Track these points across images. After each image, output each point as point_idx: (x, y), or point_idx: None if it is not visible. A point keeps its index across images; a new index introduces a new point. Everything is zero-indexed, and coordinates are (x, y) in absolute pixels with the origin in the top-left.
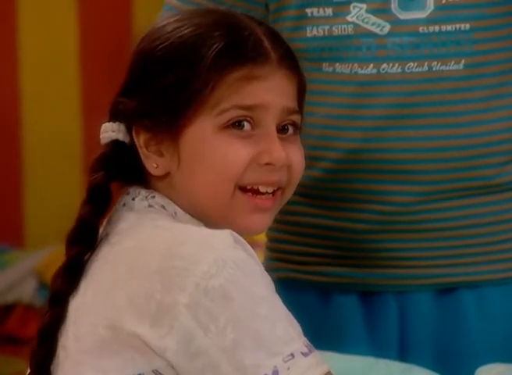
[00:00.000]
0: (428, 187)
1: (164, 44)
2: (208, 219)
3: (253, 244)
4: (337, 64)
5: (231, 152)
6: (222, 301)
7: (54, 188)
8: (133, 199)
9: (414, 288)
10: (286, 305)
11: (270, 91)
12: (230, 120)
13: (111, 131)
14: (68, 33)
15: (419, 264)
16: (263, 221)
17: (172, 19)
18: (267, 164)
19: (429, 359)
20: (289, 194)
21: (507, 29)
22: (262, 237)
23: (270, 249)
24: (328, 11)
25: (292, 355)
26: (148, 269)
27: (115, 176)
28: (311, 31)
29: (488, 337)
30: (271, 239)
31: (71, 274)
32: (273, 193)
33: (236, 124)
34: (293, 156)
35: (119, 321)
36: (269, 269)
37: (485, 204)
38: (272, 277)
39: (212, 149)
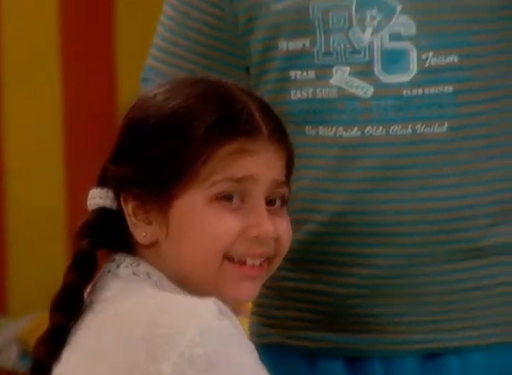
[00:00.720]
0: (413, 250)
1: (156, 115)
2: (195, 287)
3: (237, 311)
4: (320, 127)
5: (220, 225)
6: (206, 370)
7: (37, 256)
8: (118, 266)
9: (400, 354)
10: (271, 371)
11: (260, 164)
12: (220, 193)
13: (98, 198)
14: (52, 107)
15: (404, 329)
16: (251, 290)
17: (162, 89)
18: (255, 237)
19: None
20: (276, 264)
21: (490, 92)
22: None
23: (255, 314)
24: (311, 74)
25: None
26: (133, 337)
27: (101, 244)
28: (295, 94)
29: None
30: (256, 304)
31: (54, 342)
32: (260, 264)
33: (226, 197)
34: (280, 229)
35: None
36: (255, 335)
37: (470, 269)
38: (257, 342)
39: (202, 221)
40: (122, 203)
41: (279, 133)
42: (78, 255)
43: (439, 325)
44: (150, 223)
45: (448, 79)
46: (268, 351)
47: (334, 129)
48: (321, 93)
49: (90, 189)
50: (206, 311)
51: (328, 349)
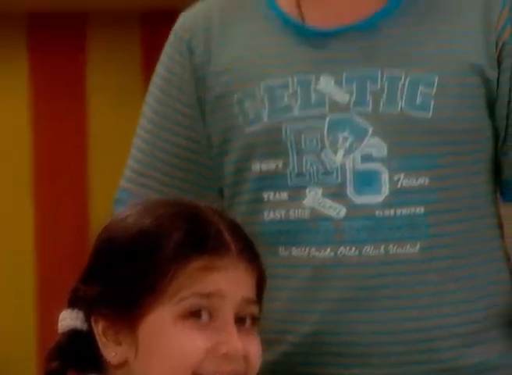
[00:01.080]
0: (389, 371)
1: (125, 235)
2: None
3: None
4: (293, 248)
5: (188, 343)
6: None
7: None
8: None
9: None
10: None
11: (229, 281)
12: (188, 309)
13: (69, 319)
14: (24, 222)
15: None
16: None
17: (134, 210)
18: (224, 354)
19: None
20: None
21: (460, 213)
22: None
23: None
24: (284, 195)
25: None
26: None
27: (71, 365)
28: (268, 215)
29: None
30: None
31: None
32: None
33: (195, 314)
34: (250, 347)
35: None
36: None
37: None
38: None
39: (170, 340)
40: (93, 323)
41: (249, 252)
42: None
43: None
44: (119, 343)
45: (419, 200)
46: None
47: (307, 249)
48: (294, 214)
49: (63, 309)
50: None
51: None
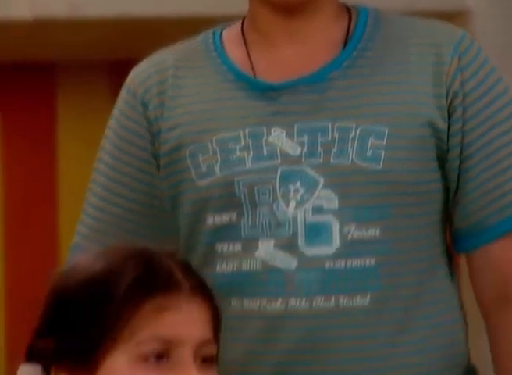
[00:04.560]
0: None
1: (76, 283)
2: None
3: None
4: (245, 300)
5: None
6: None
7: None
8: None
9: None
10: None
11: (184, 322)
12: (145, 352)
13: (27, 373)
14: None
15: None
16: None
17: (85, 258)
18: None
19: None
20: None
21: (414, 264)
22: None
23: None
24: (238, 246)
25: None
26: None
27: None
28: (221, 267)
29: None
30: None
31: None
32: None
33: (152, 357)
34: None
35: None
36: None
37: None
38: None
39: None
40: None
41: (202, 290)
42: None
43: None
44: None
45: (370, 251)
46: None
47: (258, 301)
48: (247, 265)
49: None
50: None
51: None
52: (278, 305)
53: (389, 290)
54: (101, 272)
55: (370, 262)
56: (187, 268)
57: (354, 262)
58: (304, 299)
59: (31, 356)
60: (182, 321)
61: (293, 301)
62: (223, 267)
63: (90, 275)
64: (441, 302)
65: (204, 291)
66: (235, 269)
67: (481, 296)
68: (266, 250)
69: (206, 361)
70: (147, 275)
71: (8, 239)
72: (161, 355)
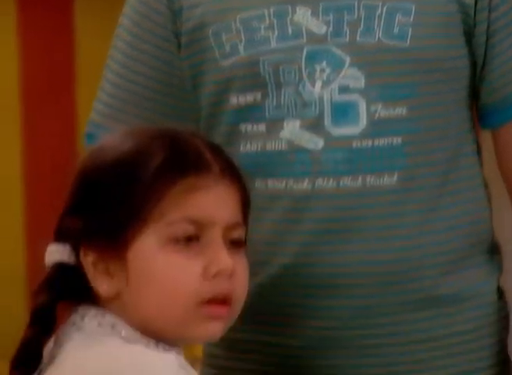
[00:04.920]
0: (365, 302)
1: (105, 163)
2: (160, 333)
3: (194, 361)
4: (269, 180)
5: (178, 268)
6: None
7: None
8: (83, 318)
9: None
10: None
11: (214, 204)
12: (175, 234)
13: (56, 253)
14: (12, 155)
15: None
16: (216, 329)
17: (111, 139)
18: (215, 275)
19: None
20: (238, 303)
21: (442, 142)
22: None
23: (206, 364)
24: (262, 127)
25: None
26: None
27: (60, 298)
28: (245, 147)
29: None
30: (207, 354)
31: None
32: (223, 302)
33: (182, 238)
34: (237, 266)
35: None
36: None
37: (423, 319)
38: None
39: (160, 265)
40: (81, 256)
41: (231, 171)
42: (36, 309)
43: None
44: (110, 275)
45: (397, 130)
46: None
47: (284, 181)
48: (271, 146)
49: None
50: (165, 368)
51: None
52: (305, 185)
53: (416, 168)
54: (131, 152)
55: (397, 140)
56: (216, 149)
57: (381, 141)
58: (331, 179)
59: (59, 236)
60: (212, 202)
61: (320, 181)
62: (247, 147)
63: (120, 155)
64: (467, 180)
65: (233, 173)
66: (259, 149)
67: (507, 172)
68: (292, 130)
69: (235, 244)
70: (177, 155)
71: (25, 121)
72: (192, 237)
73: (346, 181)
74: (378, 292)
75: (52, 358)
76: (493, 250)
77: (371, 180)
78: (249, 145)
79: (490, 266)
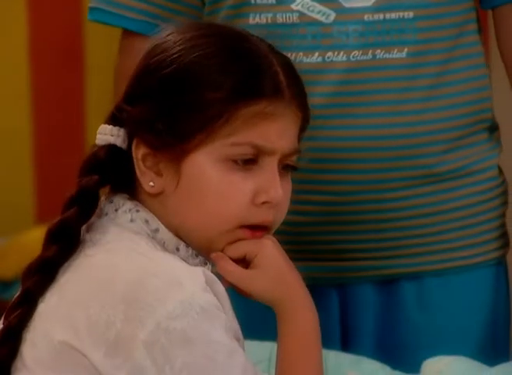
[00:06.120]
0: (367, 176)
1: (180, 61)
2: (190, 241)
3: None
4: None
5: (232, 187)
6: (182, 344)
7: (2, 185)
8: (116, 210)
9: (355, 281)
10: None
11: (279, 133)
12: (237, 155)
13: (109, 135)
14: (17, 31)
15: (359, 256)
16: None
17: (179, 37)
18: (263, 203)
19: (373, 352)
20: (271, 232)
21: (450, 18)
22: None
23: None
24: None
25: None
26: (114, 295)
27: (106, 182)
28: (254, 19)
29: (430, 328)
30: None
31: (43, 275)
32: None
33: (242, 160)
34: (284, 194)
35: (75, 341)
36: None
37: (424, 194)
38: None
39: (214, 182)
40: (134, 147)
41: (299, 97)
42: (83, 190)
43: (395, 251)
44: (159, 173)
45: (409, 4)
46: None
47: (294, 54)
48: (282, 18)
49: (56, 113)
50: (193, 283)
51: None
52: (315, 58)
53: (426, 43)
54: (208, 58)
55: (408, 14)
56: (290, 68)
57: (393, 15)
58: (341, 52)
59: (115, 121)
60: (277, 132)
61: (330, 54)
62: (256, 19)
63: (197, 58)
64: (471, 57)
65: (300, 100)
66: (269, 21)
67: (505, 48)
68: (303, 2)
69: (285, 168)
70: (254, 76)
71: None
72: (250, 161)
73: (357, 55)
74: (382, 167)
75: (83, 244)
76: (493, 128)
77: (381, 53)
78: (258, 17)
79: (490, 143)
